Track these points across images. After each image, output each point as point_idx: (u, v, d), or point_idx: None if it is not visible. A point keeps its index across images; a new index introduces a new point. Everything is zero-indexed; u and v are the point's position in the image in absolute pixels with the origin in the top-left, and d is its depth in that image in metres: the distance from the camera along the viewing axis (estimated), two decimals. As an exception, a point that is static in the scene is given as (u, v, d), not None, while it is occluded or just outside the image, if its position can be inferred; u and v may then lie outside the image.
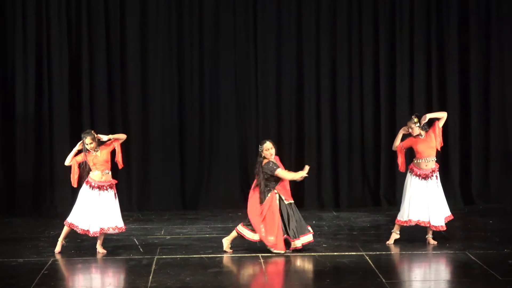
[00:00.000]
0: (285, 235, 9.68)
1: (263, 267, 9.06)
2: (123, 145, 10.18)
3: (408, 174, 10.14)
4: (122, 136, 10.01)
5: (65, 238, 9.90)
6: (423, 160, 10.03)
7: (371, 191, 13.48)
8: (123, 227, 9.89)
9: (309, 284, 8.42)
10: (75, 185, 9.87)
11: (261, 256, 9.51)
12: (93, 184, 9.73)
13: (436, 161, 10.15)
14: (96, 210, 9.69)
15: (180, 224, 11.87)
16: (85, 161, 9.76)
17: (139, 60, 13.28)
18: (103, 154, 9.77)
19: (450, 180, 13.43)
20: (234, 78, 13.41)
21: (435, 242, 10.07)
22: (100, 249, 9.82)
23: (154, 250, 9.94)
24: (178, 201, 13.31)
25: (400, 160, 10.23)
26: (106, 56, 13.21)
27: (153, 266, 9.05)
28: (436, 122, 10.17)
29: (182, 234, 11.11)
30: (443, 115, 10.25)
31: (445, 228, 10.14)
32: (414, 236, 10.53)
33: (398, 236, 10.14)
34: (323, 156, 13.44)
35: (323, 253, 9.67)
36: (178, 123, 13.36)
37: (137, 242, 10.45)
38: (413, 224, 10.06)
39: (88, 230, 9.72)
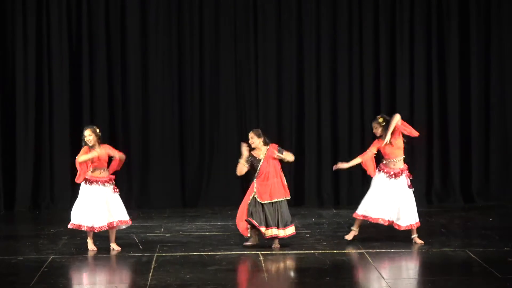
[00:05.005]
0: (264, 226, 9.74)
1: (263, 265, 9.05)
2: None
3: (377, 172, 10.05)
4: (122, 158, 9.91)
5: (92, 239, 9.86)
6: (391, 160, 9.98)
7: (371, 189, 13.48)
8: (129, 220, 9.87)
9: (309, 281, 8.42)
10: (80, 180, 9.80)
11: (261, 253, 9.51)
12: (89, 179, 9.70)
13: (405, 162, 10.06)
14: (98, 205, 9.65)
15: (180, 222, 11.87)
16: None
17: (140, 58, 13.29)
18: (102, 153, 9.75)
19: (450, 178, 13.45)
20: (234, 75, 13.42)
21: (422, 242, 10.01)
22: (114, 246, 9.81)
23: (154, 247, 9.94)
24: (178, 198, 13.31)
25: (371, 167, 10.07)
26: (107, 54, 13.21)
27: (153, 264, 9.04)
28: (396, 127, 9.98)
29: (181, 231, 11.11)
30: (396, 120, 9.98)
31: (406, 229, 9.98)
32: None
33: (356, 233, 10.10)
34: (323, 154, 13.44)
35: (323, 251, 9.67)
36: (179, 121, 13.36)
37: (136, 240, 10.44)
38: (372, 221, 9.98)
39: (92, 226, 9.69)
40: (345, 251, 9.70)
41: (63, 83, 13.13)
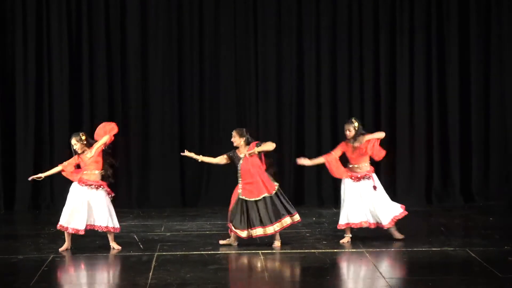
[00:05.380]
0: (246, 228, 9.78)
1: (263, 263, 9.05)
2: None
3: (343, 179, 10.06)
4: (104, 140, 9.82)
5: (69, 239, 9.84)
6: (356, 165, 10.00)
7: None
8: (118, 228, 9.83)
9: (309, 280, 8.42)
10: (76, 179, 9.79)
11: (261, 253, 9.51)
12: (81, 180, 9.70)
13: (371, 164, 10.10)
14: (84, 207, 9.65)
15: (180, 221, 11.88)
16: (78, 164, 9.76)
17: (139, 58, 13.30)
18: (93, 156, 9.75)
19: (451, 178, 13.45)
20: (234, 76, 13.43)
21: (402, 236, 9.99)
22: (114, 246, 9.80)
23: (154, 246, 9.94)
24: (178, 197, 13.32)
25: (335, 169, 10.07)
26: (106, 55, 13.22)
27: (153, 263, 9.04)
28: (373, 140, 10.01)
29: (182, 231, 11.12)
30: (380, 136, 10.03)
31: (392, 225, 9.99)
32: (415, 233, 10.56)
33: (349, 238, 10.08)
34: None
35: (323, 250, 9.67)
36: (178, 120, 13.37)
37: (137, 239, 10.45)
38: (355, 227, 9.98)
39: (67, 227, 9.68)
40: (346, 250, 9.70)
41: (63, 83, 13.14)
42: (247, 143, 9.86)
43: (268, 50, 13.42)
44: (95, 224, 9.73)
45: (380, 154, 10.04)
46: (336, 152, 10.08)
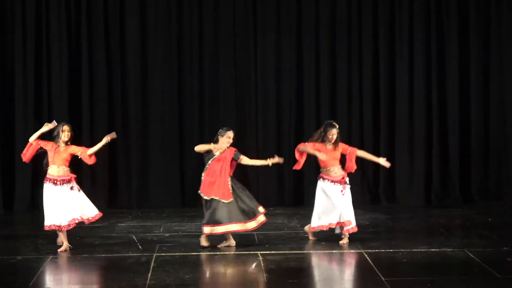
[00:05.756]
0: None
1: (262, 264, 9.05)
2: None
3: (320, 182, 10.10)
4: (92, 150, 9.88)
5: (66, 237, 9.87)
6: (330, 168, 10.04)
7: (370, 189, 13.47)
8: (97, 215, 9.87)
9: (308, 281, 8.41)
10: (27, 159, 9.89)
11: (260, 253, 9.51)
12: (51, 178, 9.73)
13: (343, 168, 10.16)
14: (61, 203, 9.68)
15: (179, 222, 11.87)
16: (47, 152, 9.77)
17: (139, 59, 13.30)
18: (66, 152, 9.77)
19: (450, 178, 13.44)
20: (234, 76, 13.42)
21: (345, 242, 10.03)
22: (64, 244, 9.78)
23: (153, 247, 9.94)
24: (177, 198, 13.32)
25: (301, 162, 10.21)
26: (106, 55, 13.22)
27: (152, 264, 9.04)
28: (356, 153, 10.13)
29: (181, 231, 11.12)
30: (360, 153, 10.21)
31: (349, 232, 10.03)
32: (414, 233, 10.55)
33: (347, 238, 10.09)
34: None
35: (322, 251, 9.66)
36: (178, 120, 13.37)
37: (136, 240, 10.44)
38: (343, 225, 10.00)
39: (60, 226, 9.72)
40: (344, 251, 9.69)
41: (62, 83, 13.14)
42: (227, 146, 9.93)
43: (268, 50, 13.42)
44: (77, 218, 9.74)
45: (350, 167, 10.13)
46: (310, 148, 10.07)
